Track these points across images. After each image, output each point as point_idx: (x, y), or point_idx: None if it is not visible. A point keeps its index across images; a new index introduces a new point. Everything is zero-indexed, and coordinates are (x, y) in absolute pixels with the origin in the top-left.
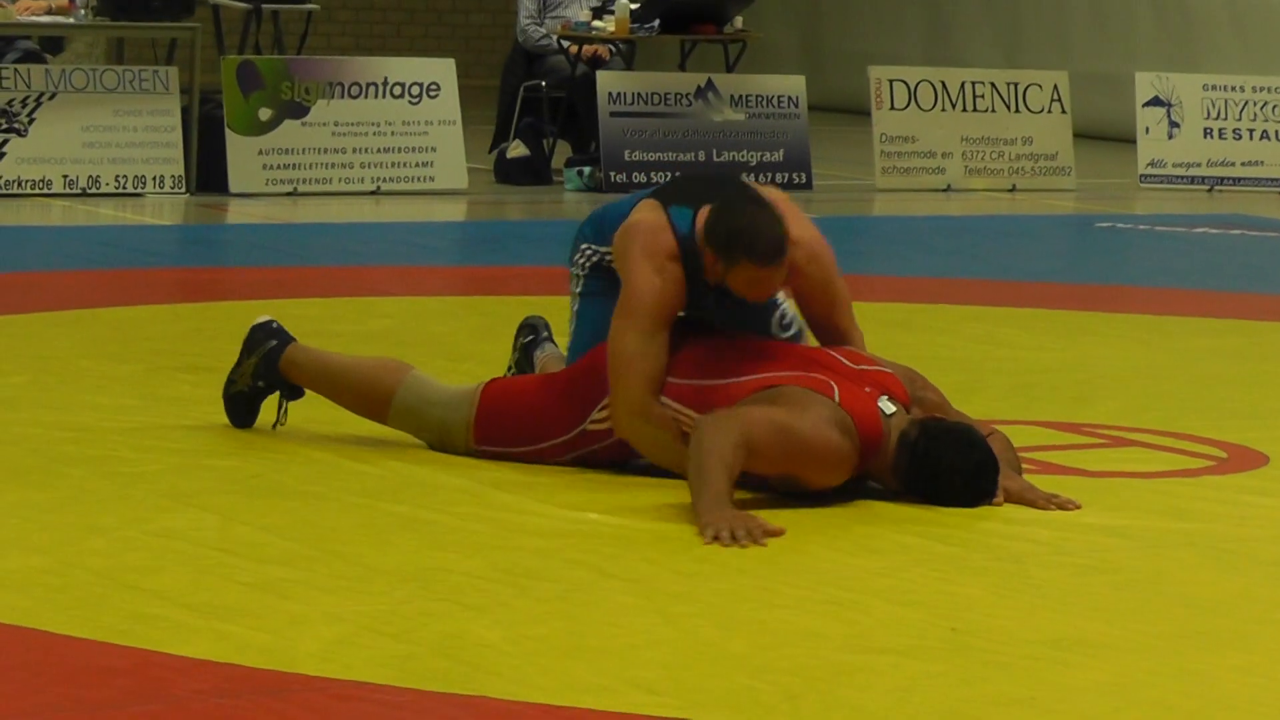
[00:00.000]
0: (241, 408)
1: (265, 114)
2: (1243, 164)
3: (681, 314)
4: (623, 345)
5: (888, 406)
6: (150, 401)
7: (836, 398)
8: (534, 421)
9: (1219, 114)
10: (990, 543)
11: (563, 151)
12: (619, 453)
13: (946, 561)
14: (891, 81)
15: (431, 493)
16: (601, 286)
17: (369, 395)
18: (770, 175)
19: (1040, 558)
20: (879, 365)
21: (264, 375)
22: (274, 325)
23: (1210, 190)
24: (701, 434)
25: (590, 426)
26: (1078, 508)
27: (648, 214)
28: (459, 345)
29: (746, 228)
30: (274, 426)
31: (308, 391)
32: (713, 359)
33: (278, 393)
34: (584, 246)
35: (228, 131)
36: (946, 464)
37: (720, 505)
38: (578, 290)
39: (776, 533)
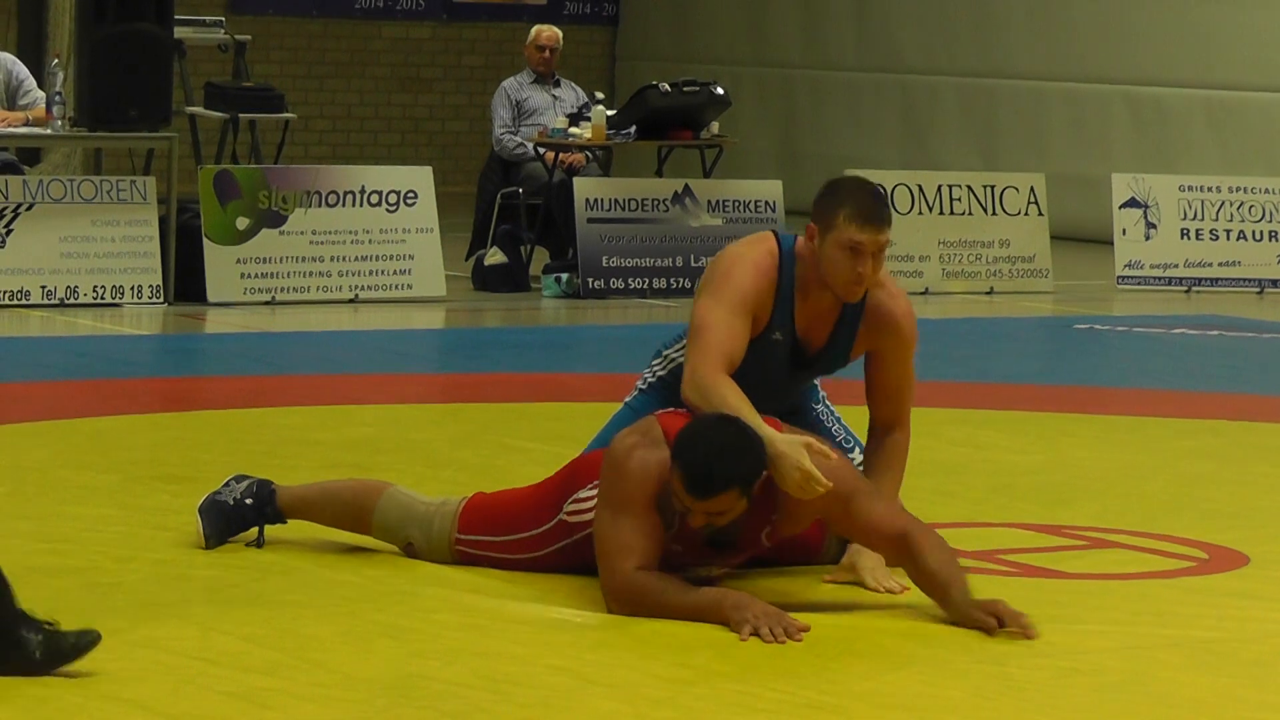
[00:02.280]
0: (219, 517)
1: (243, 223)
2: (1220, 264)
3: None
4: (703, 317)
5: None
6: (129, 511)
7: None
8: (515, 513)
9: (1196, 215)
10: (970, 644)
11: (540, 258)
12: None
13: (927, 663)
14: None
15: (410, 600)
16: (646, 403)
17: (353, 504)
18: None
19: (1021, 659)
20: None
21: (255, 495)
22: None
23: (1188, 291)
24: (622, 589)
25: (566, 517)
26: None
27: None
28: (438, 452)
29: (850, 184)
30: (248, 544)
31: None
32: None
33: (262, 522)
34: (656, 361)
35: (205, 241)
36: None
37: (740, 601)
38: (625, 399)
39: (805, 628)
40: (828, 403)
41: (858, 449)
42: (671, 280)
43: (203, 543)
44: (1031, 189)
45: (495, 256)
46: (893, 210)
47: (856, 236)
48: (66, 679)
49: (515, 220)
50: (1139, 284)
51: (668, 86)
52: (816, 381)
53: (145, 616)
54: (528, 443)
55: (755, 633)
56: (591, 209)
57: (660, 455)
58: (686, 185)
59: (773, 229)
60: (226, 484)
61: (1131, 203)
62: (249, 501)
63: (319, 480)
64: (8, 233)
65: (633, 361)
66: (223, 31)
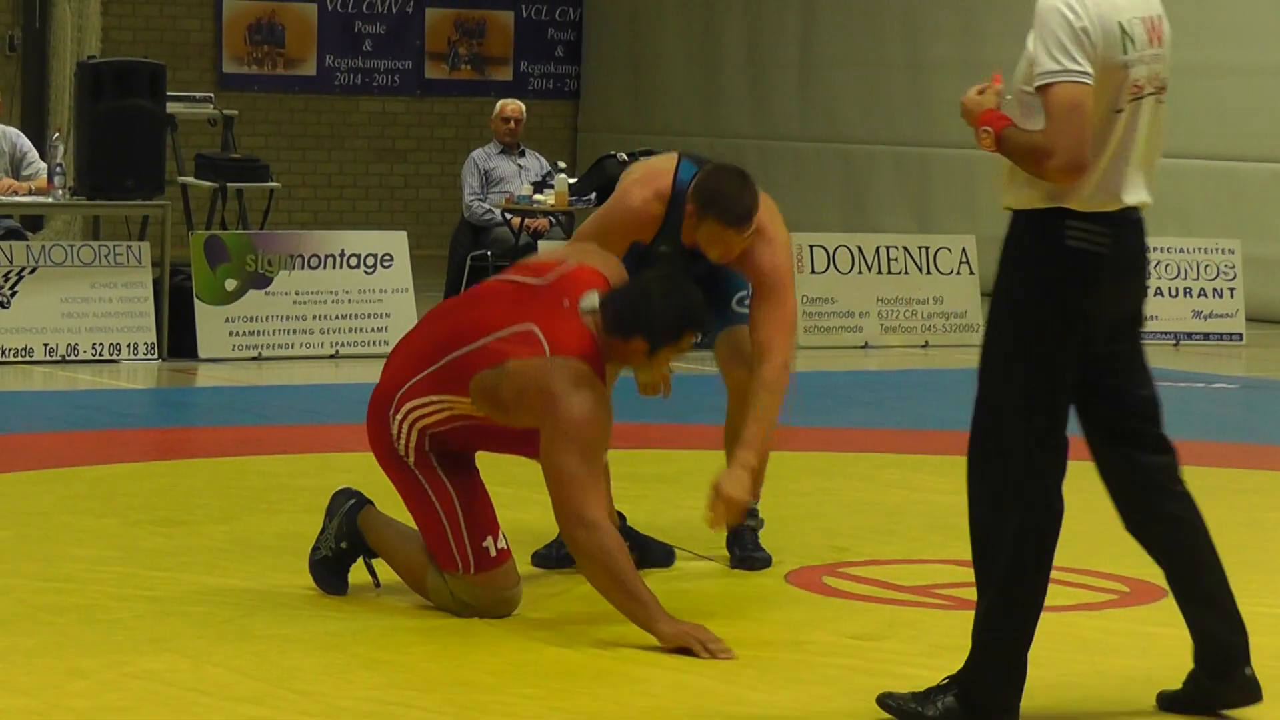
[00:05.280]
0: (327, 573)
1: (231, 284)
2: None
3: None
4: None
5: (590, 301)
6: (127, 553)
7: (548, 350)
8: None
9: None
10: (905, 672)
11: None
12: None
13: (870, 691)
14: (812, 247)
15: (389, 634)
16: None
17: (411, 568)
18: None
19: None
20: (565, 264)
21: (346, 536)
22: (351, 490)
23: None
24: (599, 551)
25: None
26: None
27: (662, 159)
28: None
29: (725, 192)
30: (376, 587)
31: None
32: (429, 345)
33: (362, 556)
34: None
35: (196, 301)
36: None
37: (671, 619)
38: None
39: (729, 653)
40: None
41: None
42: None
43: (335, 593)
44: (963, 250)
45: None
46: (834, 269)
47: (724, 234)
48: (68, 710)
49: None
50: None
51: (625, 156)
52: None
53: (142, 650)
54: (493, 486)
55: (686, 647)
56: None
57: (601, 399)
58: None
59: (679, 153)
60: (322, 532)
61: None
62: (344, 545)
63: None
64: (13, 294)
65: None
66: (212, 107)
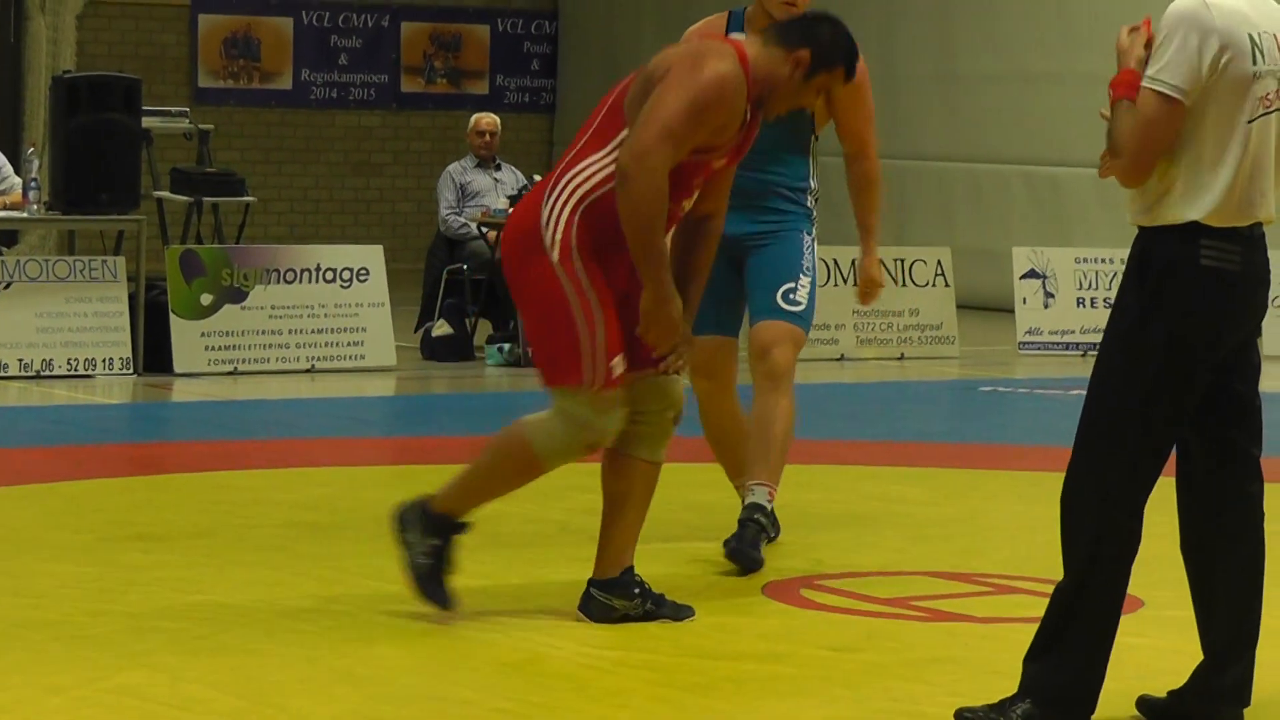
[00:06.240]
0: (435, 583)
1: (207, 299)
2: None
3: None
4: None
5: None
6: (102, 568)
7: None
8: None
9: (1090, 284)
10: (883, 685)
11: (484, 330)
12: None
13: (847, 703)
14: None
15: (368, 647)
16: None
17: (512, 460)
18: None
19: (934, 699)
20: None
21: (433, 532)
22: (404, 501)
23: (1084, 355)
24: (655, 186)
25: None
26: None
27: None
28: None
29: None
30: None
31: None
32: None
33: (448, 543)
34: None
35: (172, 316)
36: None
37: (671, 294)
38: None
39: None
40: (813, 234)
41: (807, 279)
42: None
43: (447, 608)
44: (939, 262)
45: (442, 328)
46: None
47: None
48: None
49: (460, 294)
50: (1039, 349)
51: None
52: (812, 209)
53: (118, 666)
54: None
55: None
56: None
57: (741, 80)
58: None
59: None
60: (409, 549)
61: (1031, 274)
62: (436, 542)
63: (466, 468)
64: None
65: None
66: (187, 121)
